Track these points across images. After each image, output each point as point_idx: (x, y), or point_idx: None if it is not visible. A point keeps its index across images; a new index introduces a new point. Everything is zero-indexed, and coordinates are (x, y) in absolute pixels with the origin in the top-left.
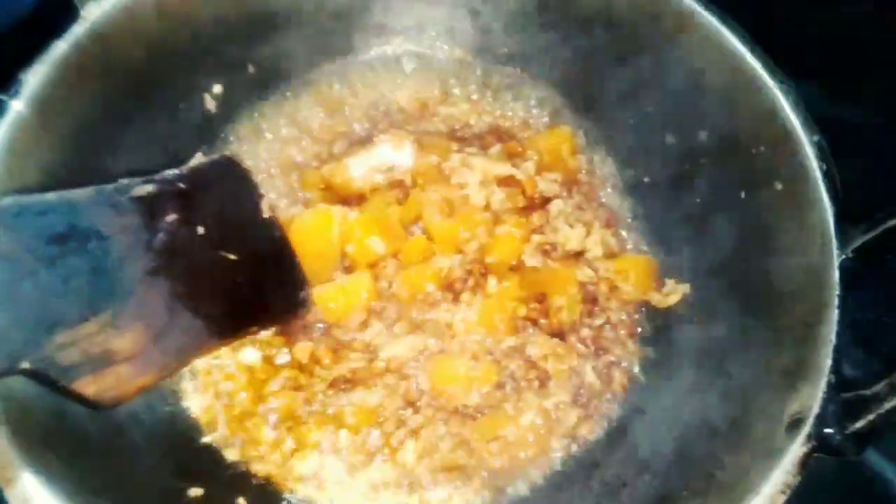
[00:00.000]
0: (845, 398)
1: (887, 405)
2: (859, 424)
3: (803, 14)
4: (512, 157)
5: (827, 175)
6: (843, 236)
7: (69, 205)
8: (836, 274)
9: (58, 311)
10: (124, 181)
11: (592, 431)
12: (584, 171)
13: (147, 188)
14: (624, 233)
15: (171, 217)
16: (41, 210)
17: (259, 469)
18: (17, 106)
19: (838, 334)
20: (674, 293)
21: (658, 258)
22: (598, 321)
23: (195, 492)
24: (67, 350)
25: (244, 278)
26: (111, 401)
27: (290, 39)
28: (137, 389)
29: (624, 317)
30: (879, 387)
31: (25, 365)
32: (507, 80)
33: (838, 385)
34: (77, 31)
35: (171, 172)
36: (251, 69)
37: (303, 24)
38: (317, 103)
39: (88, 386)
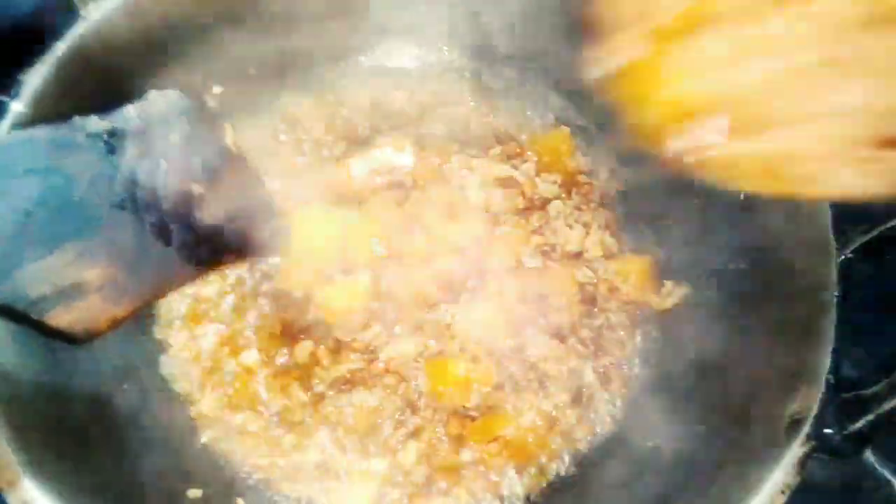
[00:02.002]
0: (845, 398)
1: (887, 405)
2: (859, 425)
3: None
4: (511, 158)
5: None
6: (843, 236)
7: (26, 143)
8: (836, 274)
9: (22, 245)
10: (78, 119)
11: (592, 432)
12: (583, 172)
13: (102, 124)
14: (623, 234)
15: (132, 152)
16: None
17: (258, 470)
18: (17, 107)
19: (838, 335)
20: (672, 295)
21: (657, 259)
22: (598, 322)
23: (194, 493)
24: (36, 283)
25: (213, 210)
26: (85, 333)
27: (291, 40)
28: (111, 321)
29: (623, 317)
30: (879, 387)
31: None
32: (506, 81)
33: (838, 385)
34: (77, 31)
35: (124, 109)
36: (251, 70)
37: (303, 25)
38: (317, 104)
39: (60, 318)
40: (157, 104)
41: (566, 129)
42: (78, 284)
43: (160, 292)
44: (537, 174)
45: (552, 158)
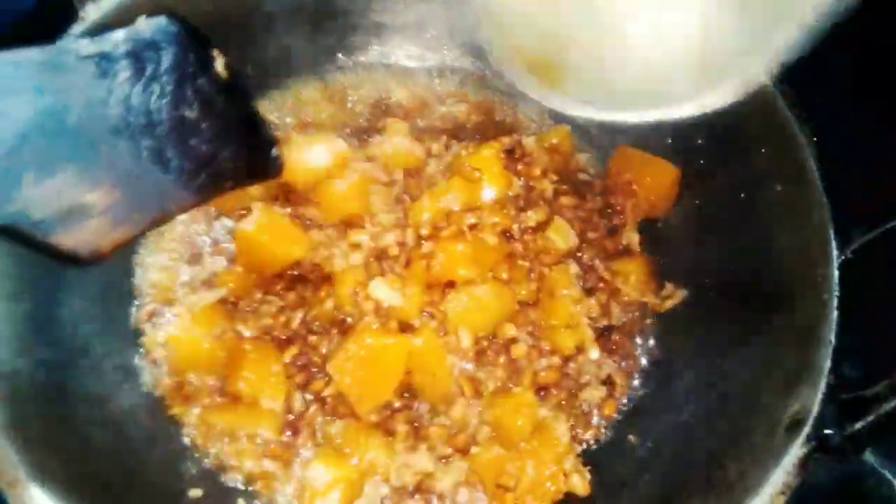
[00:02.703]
0: (845, 399)
1: (887, 406)
2: (859, 425)
3: None
4: (511, 156)
5: (826, 176)
6: (843, 237)
7: (16, 64)
8: (836, 275)
9: (20, 167)
10: (67, 40)
11: (592, 432)
12: (582, 171)
13: (92, 47)
14: (624, 233)
15: (123, 75)
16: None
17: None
18: None
19: (838, 335)
20: (672, 297)
21: (658, 259)
22: (598, 322)
23: (195, 493)
24: (38, 205)
25: (209, 135)
26: (90, 255)
27: (290, 40)
28: (114, 243)
29: (623, 318)
30: (879, 388)
31: None
32: (506, 80)
33: (838, 386)
34: (76, 31)
35: (114, 34)
36: (250, 70)
37: (302, 25)
38: (316, 103)
39: (65, 240)
40: (147, 29)
41: (566, 128)
42: (80, 207)
43: (162, 217)
44: (538, 172)
45: (552, 156)
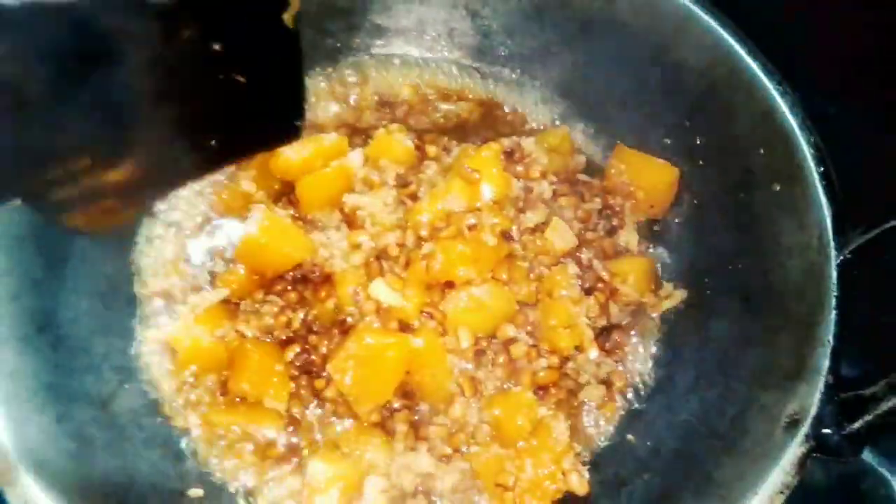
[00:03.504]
0: (843, 398)
1: (885, 405)
2: (857, 425)
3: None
4: (510, 157)
5: (825, 176)
6: (842, 237)
7: (73, 10)
8: (835, 274)
9: (50, 145)
10: None
11: (591, 432)
12: (581, 172)
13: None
14: (622, 234)
15: (190, 31)
16: (37, 16)
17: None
18: None
19: (836, 335)
20: (671, 297)
21: (657, 259)
22: (597, 323)
23: (195, 493)
24: (59, 186)
25: (250, 101)
26: (99, 230)
27: None
28: (124, 219)
29: (622, 318)
30: (877, 387)
31: (16, 201)
32: (506, 81)
33: (836, 385)
34: None
35: None
36: None
37: (302, 26)
38: (316, 104)
39: (78, 219)
40: None
41: (566, 129)
42: (99, 186)
43: (173, 189)
44: (537, 173)
45: (552, 157)
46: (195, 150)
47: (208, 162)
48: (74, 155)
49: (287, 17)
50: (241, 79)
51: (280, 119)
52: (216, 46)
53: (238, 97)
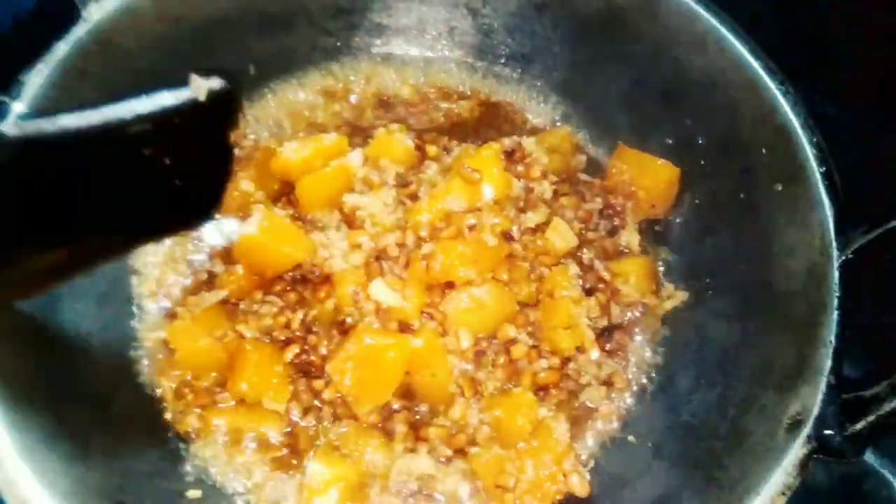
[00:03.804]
0: (845, 399)
1: (887, 406)
2: (859, 426)
3: (802, 14)
4: (511, 157)
5: (827, 176)
6: (843, 237)
7: (75, 139)
8: (836, 275)
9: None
10: (127, 113)
11: (591, 432)
12: (582, 172)
13: (144, 126)
14: (624, 234)
15: (148, 151)
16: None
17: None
18: (18, 107)
19: (838, 335)
20: (672, 297)
21: (658, 259)
22: (598, 323)
23: (193, 494)
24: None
25: (182, 201)
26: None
27: (291, 40)
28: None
29: (623, 318)
30: (879, 388)
31: None
32: (507, 80)
33: (838, 386)
34: (78, 32)
35: (174, 102)
36: (252, 70)
37: (303, 25)
38: (317, 105)
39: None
40: (203, 102)
41: (566, 129)
42: (30, 270)
43: (90, 269)
44: (538, 173)
45: (552, 156)
46: (114, 239)
47: (119, 250)
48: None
49: (233, 136)
50: (179, 183)
51: (200, 211)
52: (167, 161)
53: (172, 196)
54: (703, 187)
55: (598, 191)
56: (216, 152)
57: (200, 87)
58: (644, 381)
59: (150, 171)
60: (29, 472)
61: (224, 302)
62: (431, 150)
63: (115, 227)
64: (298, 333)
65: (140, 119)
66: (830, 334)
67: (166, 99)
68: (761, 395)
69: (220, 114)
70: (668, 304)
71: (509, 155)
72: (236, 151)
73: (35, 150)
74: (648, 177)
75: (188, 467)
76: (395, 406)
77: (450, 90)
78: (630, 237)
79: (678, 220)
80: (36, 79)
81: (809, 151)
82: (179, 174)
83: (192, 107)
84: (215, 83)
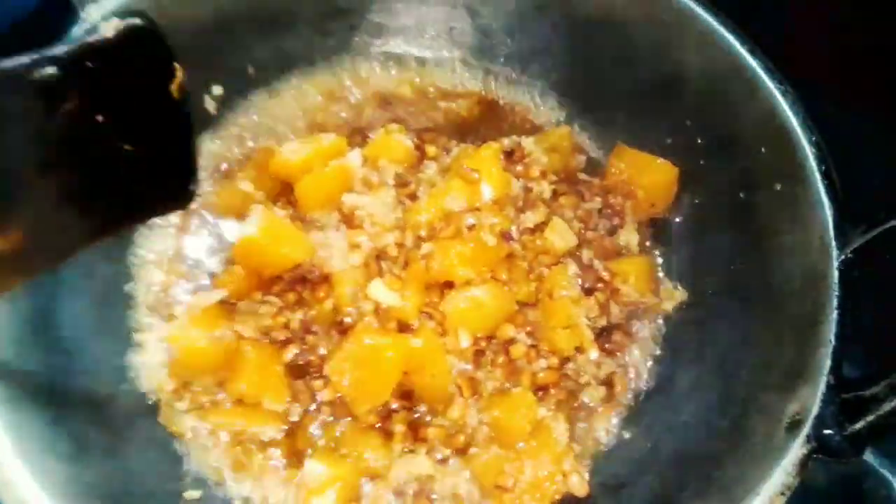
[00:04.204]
0: (845, 399)
1: (887, 406)
2: (859, 425)
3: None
4: (510, 157)
5: (826, 176)
6: (843, 237)
7: None
8: (836, 275)
9: None
10: (25, 59)
11: (591, 433)
12: (581, 171)
13: (51, 71)
14: (623, 233)
15: (72, 104)
16: None
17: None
18: None
19: (837, 335)
20: (671, 297)
21: (658, 259)
22: (598, 323)
23: (192, 495)
24: None
25: (139, 170)
26: None
27: (290, 40)
28: (9, 287)
29: (622, 318)
30: (879, 388)
31: None
32: (506, 80)
33: (838, 386)
34: (77, 32)
35: (81, 45)
36: (251, 70)
37: (302, 26)
38: (316, 105)
39: None
40: (118, 40)
41: (566, 128)
42: None
43: (64, 258)
44: (537, 173)
45: (552, 156)
46: (84, 218)
47: (99, 229)
48: None
49: (173, 88)
50: (129, 148)
51: (171, 185)
52: (100, 118)
53: (126, 165)
54: (702, 187)
55: (597, 190)
56: (162, 109)
57: (111, 24)
58: (643, 380)
59: (83, 129)
60: (27, 473)
61: (223, 302)
62: (430, 150)
63: (65, 198)
64: (297, 333)
65: (43, 60)
66: (830, 334)
67: (73, 42)
68: (760, 395)
69: (145, 57)
70: (668, 304)
71: (508, 155)
72: (190, 110)
73: None
74: (648, 176)
75: (187, 467)
76: (394, 406)
77: (449, 90)
78: (629, 237)
79: (677, 220)
80: None
81: (809, 151)
82: (122, 134)
83: (102, 47)
84: (129, 21)
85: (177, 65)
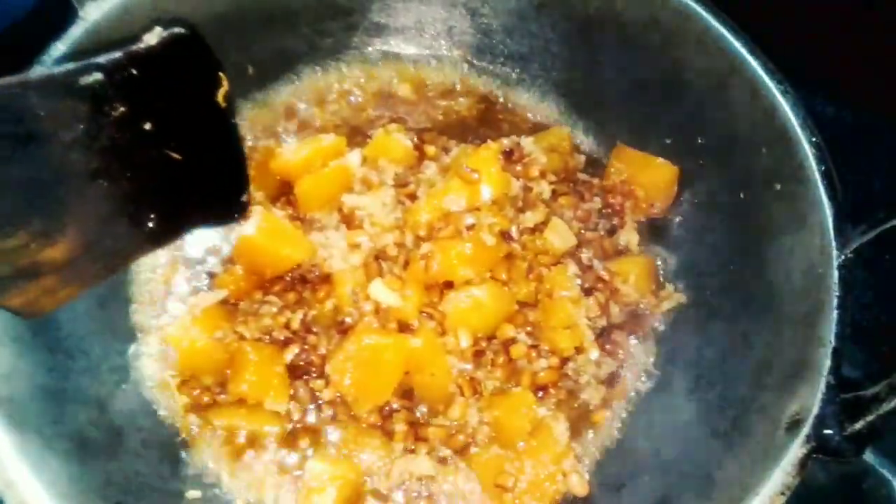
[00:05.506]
0: (844, 399)
1: (886, 406)
2: (858, 425)
3: (802, 14)
4: (509, 157)
5: (826, 176)
6: (842, 237)
7: (14, 96)
8: (836, 274)
9: None
10: (72, 66)
11: (591, 432)
12: (581, 171)
13: (97, 76)
14: (623, 233)
15: (120, 110)
16: None
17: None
18: None
19: (837, 335)
20: (671, 297)
21: (657, 259)
22: (597, 323)
23: (193, 494)
24: None
25: (187, 179)
26: (35, 313)
27: (290, 40)
28: (62, 300)
29: (622, 318)
30: (879, 388)
31: None
32: (506, 80)
33: (837, 386)
34: (76, 32)
35: (125, 53)
36: (251, 70)
37: (302, 25)
38: (316, 104)
39: (14, 299)
40: (161, 48)
41: (566, 129)
42: (36, 264)
43: (114, 270)
44: (536, 172)
45: (552, 156)
46: (135, 228)
47: (150, 238)
48: (8, 232)
49: (219, 96)
50: (177, 156)
51: (221, 195)
52: (147, 126)
53: (175, 175)
54: (702, 187)
55: (596, 190)
56: (209, 119)
57: (153, 33)
58: (643, 380)
59: (131, 137)
60: (28, 473)
61: (224, 302)
62: (430, 150)
63: (108, 208)
64: (298, 333)
65: (90, 66)
66: (829, 334)
67: (117, 50)
68: (760, 395)
69: (190, 66)
70: (667, 304)
71: (508, 155)
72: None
73: None
74: (647, 176)
75: (187, 467)
76: (395, 406)
77: (448, 89)
78: (629, 237)
79: (677, 220)
80: None
81: (809, 151)
82: (169, 143)
83: (146, 55)
84: (173, 30)
85: (222, 74)
